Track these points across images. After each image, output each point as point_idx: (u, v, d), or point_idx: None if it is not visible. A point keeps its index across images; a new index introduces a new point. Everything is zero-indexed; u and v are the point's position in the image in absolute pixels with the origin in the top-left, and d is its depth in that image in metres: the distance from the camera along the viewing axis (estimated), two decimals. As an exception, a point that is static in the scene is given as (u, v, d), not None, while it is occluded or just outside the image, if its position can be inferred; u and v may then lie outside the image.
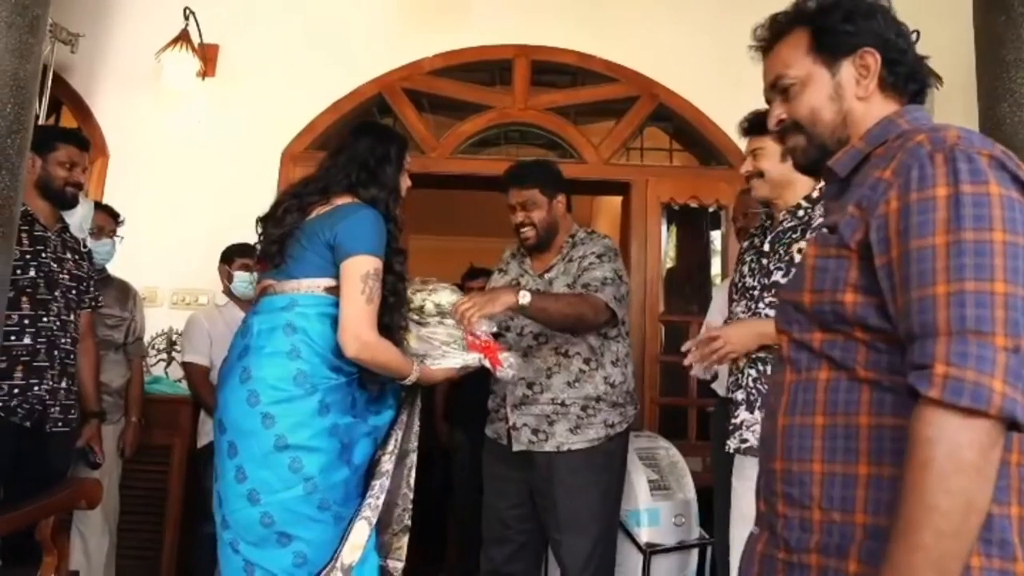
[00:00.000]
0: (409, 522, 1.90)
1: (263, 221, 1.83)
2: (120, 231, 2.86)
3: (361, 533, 1.67)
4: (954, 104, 3.48)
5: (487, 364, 1.90)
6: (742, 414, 1.86)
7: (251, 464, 1.61)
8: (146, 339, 3.14)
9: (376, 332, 1.68)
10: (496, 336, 2.06)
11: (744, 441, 1.84)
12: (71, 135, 2.50)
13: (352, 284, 1.66)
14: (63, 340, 2.26)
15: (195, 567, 2.85)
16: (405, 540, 1.89)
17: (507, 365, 1.89)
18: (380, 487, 1.74)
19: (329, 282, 1.71)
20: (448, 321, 1.89)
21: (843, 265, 0.93)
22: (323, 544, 1.64)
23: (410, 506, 1.91)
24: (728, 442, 1.88)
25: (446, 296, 1.89)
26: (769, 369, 1.81)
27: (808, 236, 1.82)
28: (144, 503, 2.92)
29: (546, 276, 2.36)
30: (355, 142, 1.87)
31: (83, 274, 2.38)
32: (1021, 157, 1.77)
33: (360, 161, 1.81)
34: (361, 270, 1.66)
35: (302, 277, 1.71)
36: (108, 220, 2.79)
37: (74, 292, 2.33)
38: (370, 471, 1.78)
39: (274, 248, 1.76)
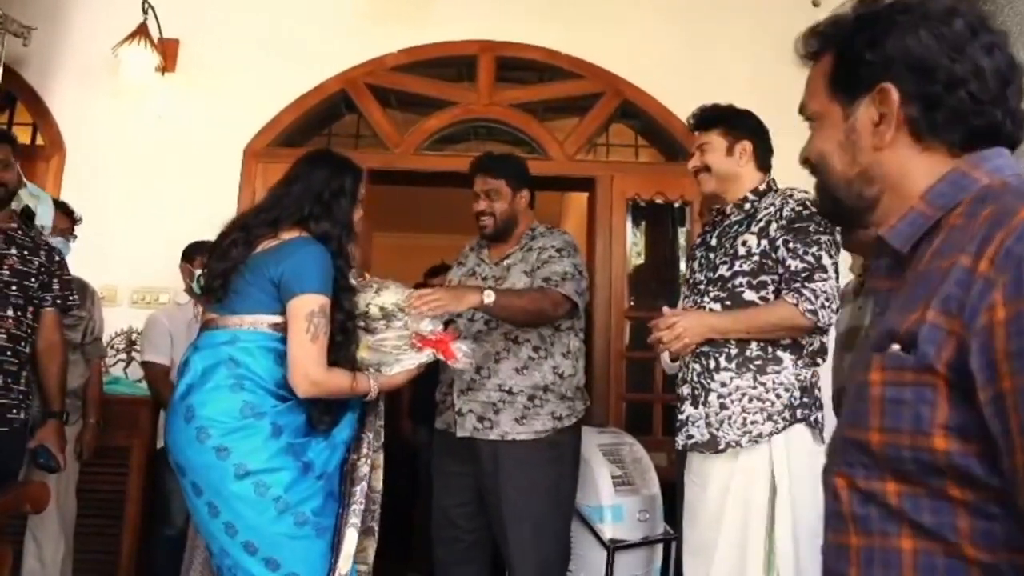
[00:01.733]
0: (374, 524, 1.89)
1: (208, 252, 1.81)
2: (77, 230, 2.79)
3: (351, 542, 1.69)
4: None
5: (441, 358, 1.89)
6: (687, 409, 1.87)
7: (219, 498, 1.60)
8: (105, 339, 3.07)
9: (324, 368, 1.67)
10: (447, 324, 2.04)
11: (691, 437, 1.84)
12: None
13: (297, 324, 1.65)
14: None
15: (154, 570, 2.80)
16: (370, 543, 1.88)
17: (461, 355, 1.88)
18: (361, 492, 1.75)
19: (273, 319, 1.69)
20: (396, 323, 1.86)
21: (927, 396, 0.68)
22: (313, 560, 1.64)
23: (374, 507, 1.89)
24: (676, 439, 1.89)
25: (391, 297, 1.86)
26: (712, 363, 1.81)
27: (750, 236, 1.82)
28: (102, 506, 2.86)
29: (503, 263, 2.38)
30: (310, 172, 1.84)
31: (32, 270, 2.31)
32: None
33: (314, 193, 1.79)
34: (305, 309, 1.65)
35: (244, 313, 1.70)
36: (62, 218, 2.73)
37: (15, 288, 2.26)
38: (347, 477, 1.78)
39: (217, 283, 1.74)
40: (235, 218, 1.83)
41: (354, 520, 1.71)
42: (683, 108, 3.63)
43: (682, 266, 3.72)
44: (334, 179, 1.82)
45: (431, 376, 2.53)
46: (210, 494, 1.61)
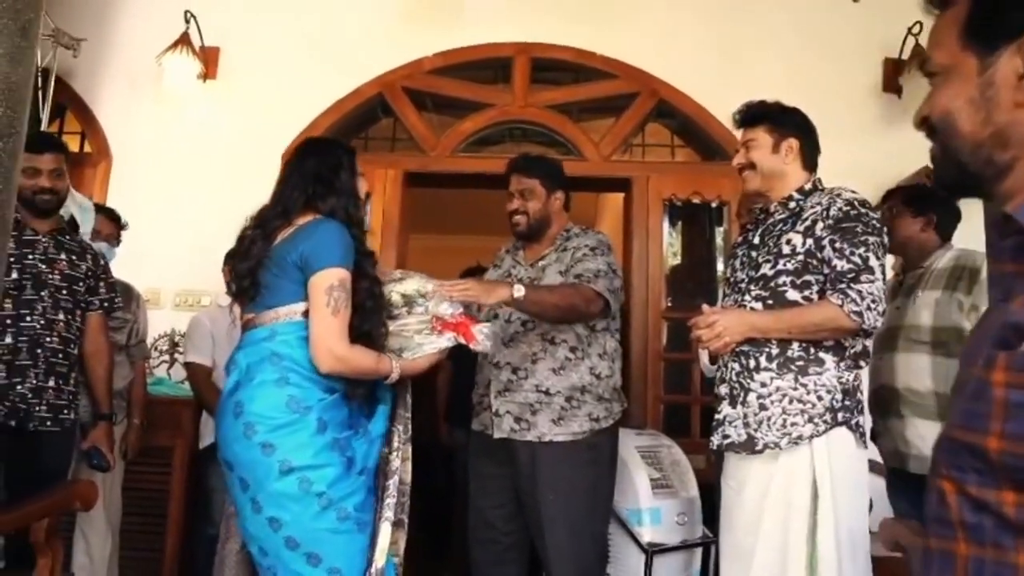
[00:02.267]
0: (404, 517, 1.88)
1: (231, 257, 1.84)
2: (123, 235, 2.87)
3: (386, 535, 1.70)
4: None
5: (462, 341, 1.87)
6: (725, 409, 1.84)
7: (263, 494, 1.62)
8: (149, 341, 3.15)
9: (346, 343, 1.67)
10: (469, 308, 2.04)
11: (726, 437, 1.81)
12: (29, 141, 2.48)
13: (317, 299, 1.66)
14: (48, 339, 2.27)
15: (196, 568, 2.85)
16: (400, 535, 1.87)
17: (482, 338, 1.86)
18: (394, 485, 1.76)
19: (305, 306, 1.70)
20: (418, 309, 1.86)
21: None
22: (354, 555, 1.65)
23: (403, 500, 1.88)
24: (711, 439, 1.86)
25: (412, 284, 1.87)
26: (752, 363, 1.78)
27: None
28: (146, 505, 2.93)
29: (538, 264, 2.39)
30: (302, 161, 1.86)
31: (80, 275, 2.38)
32: None
33: (312, 175, 1.81)
34: (324, 284, 1.66)
35: (279, 305, 1.71)
36: (107, 224, 2.81)
37: (65, 292, 2.33)
38: (380, 471, 1.79)
39: (246, 282, 1.75)
40: (250, 218, 1.85)
41: (388, 514, 1.72)
42: (719, 107, 3.64)
43: (719, 266, 3.68)
44: (327, 158, 1.85)
45: (468, 377, 2.55)
46: (255, 489, 1.62)
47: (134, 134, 3.71)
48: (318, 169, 1.82)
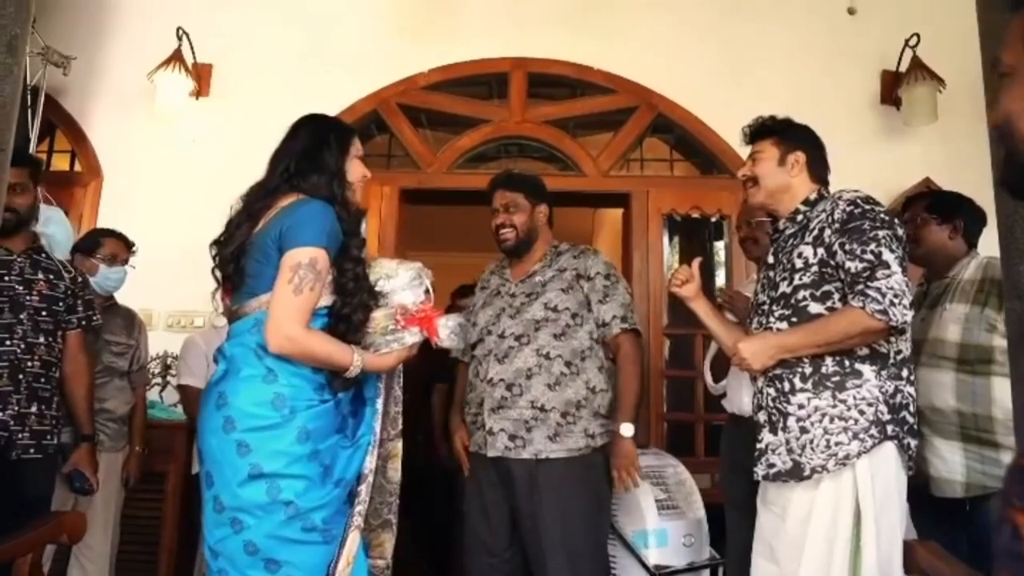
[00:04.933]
0: (392, 517, 1.81)
1: (217, 244, 1.76)
2: (135, 260, 2.81)
3: (354, 545, 1.60)
4: (957, 107, 3.43)
5: (428, 336, 1.76)
6: (766, 437, 1.78)
7: (226, 493, 1.53)
8: (145, 365, 3.08)
9: (301, 325, 1.56)
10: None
11: (772, 466, 1.75)
12: None
13: (282, 276, 1.56)
14: (30, 364, 2.19)
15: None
16: (387, 536, 1.80)
17: (446, 333, 1.74)
18: (366, 490, 1.66)
19: None
20: (384, 302, 1.75)
21: None
22: (315, 566, 1.56)
23: (391, 499, 1.81)
24: (755, 469, 1.80)
25: (379, 270, 1.77)
26: (787, 385, 1.73)
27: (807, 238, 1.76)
28: (139, 531, 2.85)
29: (530, 280, 2.38)
30: (293, 136, 1.79)
31: (59, 294, 2.30)
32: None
33: (297, 151, 1.74)
34: (292, 261, 1.56)
35: (262, 293, 1.62)
36: (120, 247, 2.75)
37: (45, 313, 2.26)
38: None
39: (230, 268, 1.68)
40: (239, 198, 1.78)
41: (358, 521, 1.62)
42: (718, 121, 3.62)
43: (719, 281, 3.63)
44: (316, 134, 1.77)
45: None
46: (220, 487, 1.54)
47: (126, 152, 3.66)
48: (304, 144, 1.75)
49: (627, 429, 2.22)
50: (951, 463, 1.99)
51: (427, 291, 1.77)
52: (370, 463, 1.69)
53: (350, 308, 1.66)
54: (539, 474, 2.19)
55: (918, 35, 3.47)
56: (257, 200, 1.71)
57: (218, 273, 1.74)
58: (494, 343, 2.30)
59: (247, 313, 1.64)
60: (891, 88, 3.58)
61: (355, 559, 1.60)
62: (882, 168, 3.40)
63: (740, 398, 2.37)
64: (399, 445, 1.84)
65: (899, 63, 3.55)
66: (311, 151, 1.74)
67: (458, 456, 2.44)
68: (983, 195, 2.21)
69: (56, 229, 2.37)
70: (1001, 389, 1.94)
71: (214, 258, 1.75)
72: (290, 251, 1.58)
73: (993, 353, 1.98)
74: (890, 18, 3.61)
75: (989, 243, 2.14)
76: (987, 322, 2.00)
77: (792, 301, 1.76)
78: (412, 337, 1.74)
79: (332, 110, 3.64)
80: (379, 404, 1.76)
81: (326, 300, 1.64)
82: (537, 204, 2.43)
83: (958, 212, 2.17)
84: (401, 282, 1.74)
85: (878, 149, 3.54)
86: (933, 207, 2.20)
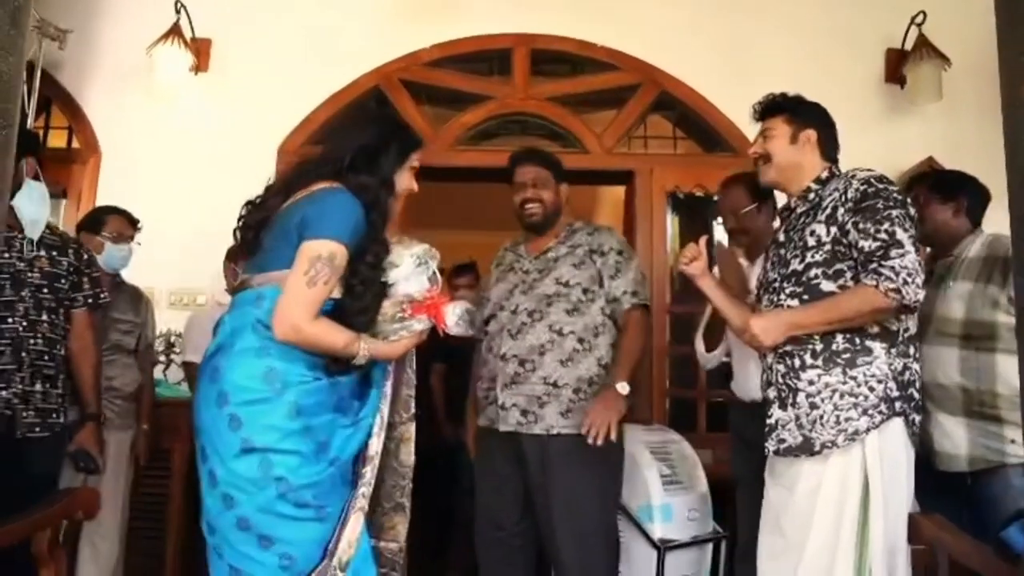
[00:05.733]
0: (404, 500, 1.81)
1: (250, 204, 1.75)
2: (138, 237, 2.79)
3: (356, 526, 1.59)
4: (961, 86, 3.43)
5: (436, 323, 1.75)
6: (776, 412, 1.80)
7: (220, 468, 1.53)
8: (150, 343, 3.07)
9: (309, 317, 1.54)
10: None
11: (782, 441, 1.77)
12: None
13: (299, 266, 1.55)
14: (32, 341, 2.17)
15: (200, 573, 2.79)
16: (400, 519, 1.81)
17: (454, 320, 1.72)
18: (371, 472, 1.66)
19: None
20: (392, 290, 1.73)
21: None
22: (310, 543, 1.56)
23: (403, 483, 1.81)
24: (766, 444, 1.81)
25: (417, 249, 1.75)
26: (798, 362, 1.75)
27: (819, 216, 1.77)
28: (145, 510, 2.86)
29: (545, 256, 2.39)
30: (362, 125, 1.79)
31: (61, 271, 2.27)
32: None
33: (360, 144, 1.72)
34: (312, 252, 1.55)
35: (271, 270, 1.61)
36: (126, 225, 2.73)
37: (47, 290, 2.23)
38: (359, 457, 1.69)
39: (251, 235, 1.68)
40: (283, 171, 1.76)
41: (361, 503, 1.61)
42: (721, 98, 3.60)
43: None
44: (384, 136, 1.75)
45: (461, 374, 2.51)
46: (214, 462, 1.54)
47: (124, 128, 3.61)
48: (368, 141, 1.73)
49: (623, 387, 2.17)
50: (955, 438, 2.01)
51: (433, 276, 1.76)
52: (376, 445, 1.68)
53: (354, 310, 1.64)
54: (551, 449, 2.21)
55: (924, 13, 3.45)
56: (298, 176, 1.69)
57: (239, 234, 1.73)
58: (507, 319, 2.32)
59: (252, 285, 1.63)
60: (896, 66, 3.56)
61: (357, 542, 1.59)
62: (885, 147, 3.39)
63: (747, 385, 2.37)
64: (412, 428, 1.83)
65: (904, 41, 3.54)
66: (371, 151, 1.72)
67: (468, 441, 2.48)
68: (986, 174, 2.23)
69: (23, 202, 2.22)
70: (1005, 365, 1.97)
71: (241, 218, 1.74)
72: (311, 241, 1.56)
73: (997, 329, 2.00)
74: (895, -5, 3.59)
75: (993, 220, 2.16)
76: (991, 299, 2.02)
77: (804, 279, 1.76)
78: (420, 324, 1.73)
79: (334, 86, 3.62)
80: (387, 387, 1.75)
81: (336, 293, 1.62)
82: (560, 182, 2.45)
83: (961, 191, 2.18)
84: (405, 271, 1.71)
85: (881, 128, 3.53)
86: (937, 186, 2.21)
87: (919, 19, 3.46)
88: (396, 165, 1.76)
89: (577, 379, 2.24)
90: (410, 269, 1.71)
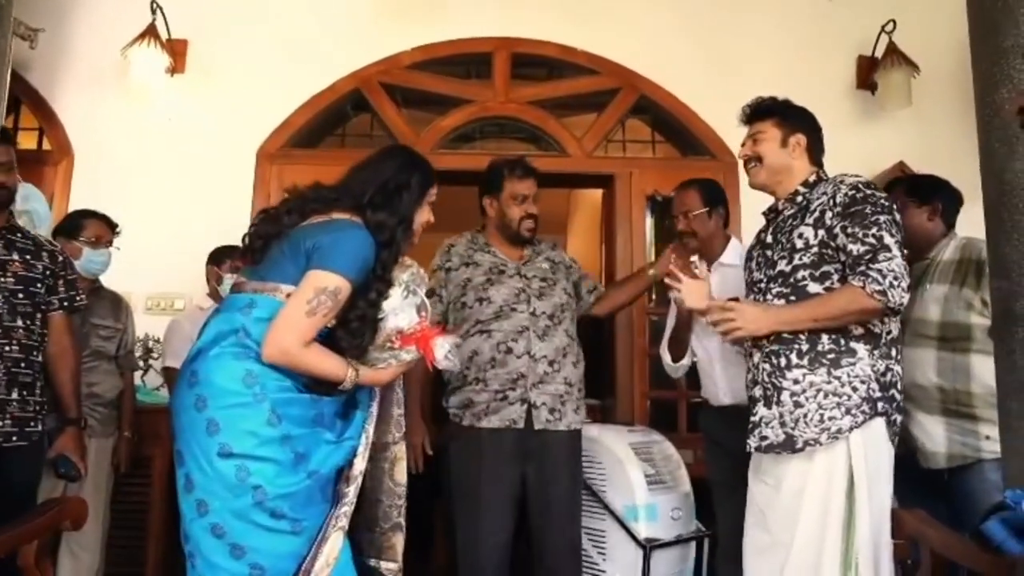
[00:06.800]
0: (401, 520, 1.82)
1: (263, 213, 1.76)
2: (116, 241, 2.74)
3: (335, 546, 1.58)
4: (930, 92, 3.53)
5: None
6: (760, 411, 1.83)
7: (197, 473, 1.52)
8: (128, 349, 3.02)
9: (301, 344, 1.55)
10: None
11: (764, 439, 1.80)
12: None
13: (302, 292, 1.56)
14: (8, 349, 2.11)
15: (180, 581, 2.75)
16: (398, 539, 1.81)
17: (442, 354, 1.71)
18: (354, 492, 1.65)
19: (291, 288, 1.60)
20: (383, 322, 1.72)
21: None
22: (282, 556, 1.54)
23: (399, 502, 1.82)
24: (748, 441, 1.85)
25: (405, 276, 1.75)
26: (783, 361, 1.78)
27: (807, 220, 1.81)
28: (126, 517, 2.81)
29: (536, 265, 2.50)
30: (382, 161, 1.78)
31: (37, 275, 2.22)
32: (1019, 143, 1.81)
33: (380, 181, 1.73)
34: (319, 283, 1.56)
35: (269, 280, 1.63)
36: (105, 230, 2.68)
37: (23, 295, 2.17)
38: (342, 476, 1.68)
39: (258, 243, 1.69)
40: (301, 189, 1.76)
41: (342, 523, 1.61)
42: (700, 103, 3.66)
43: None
44: (403, 172, 1.76)
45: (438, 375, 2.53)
46: (190, 466, 1.53)
47: (98, 130, 3.54)
48: (388, 178, 1.73)
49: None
50: (934, 436, 2.08)
51: (422, 304, 1.75)
52: (359, 465, 1.68)
53: (346, 344, 1.63)
54: (573, 445, 2.42)
55: (894, 21, 3.55)
56: (317, 200, 1.70)
57: (247, 240, 1.73)
58: (528, 320, 2.37)
59: (247, 291, 1.64)
60: (867, 73, 3.66)
61: (337, 561, 1.58)
62: (857, 152, 3.46)
63: (713, 390, 2.43)
64: (403, 447, 1.84)
65: (875, 48, 3.63)
66: (392, 189, 1.72)
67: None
68: (956, 177, 2.30)
69: (38, 205, 2.28)
70: (980, 366, 2.04)
71: (253, 226, 1.73)
72: (320, 271, 1.57)
73: (972, 331, 2.07)
74: (866, 4, 3.68)
75: (967, 222, 2.23)
76: (965, 301, 2.08)
77: (791, 280, 1.80)
78: (409, 355, 1.73)
79: (313, 89, 3.60)
80: (373, 408, 1.75)
81: (330, 322, 1.63)
82: None
83: (936, 195, 2.24)
84: (394, 304, 1.70)
85: (853, 133, 3.61)
86: (912, 190, 2.27)
87: (889, 27, 3.56)
88: (416, 203, 1.77)
89: (579, 380, 2.45)
90: (399, 302, 1.71)
